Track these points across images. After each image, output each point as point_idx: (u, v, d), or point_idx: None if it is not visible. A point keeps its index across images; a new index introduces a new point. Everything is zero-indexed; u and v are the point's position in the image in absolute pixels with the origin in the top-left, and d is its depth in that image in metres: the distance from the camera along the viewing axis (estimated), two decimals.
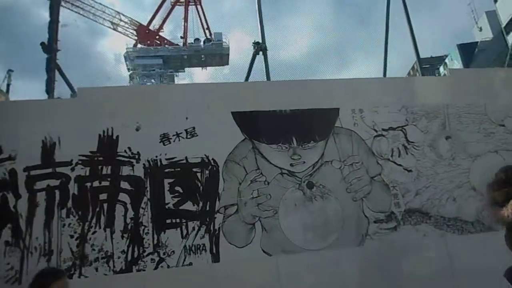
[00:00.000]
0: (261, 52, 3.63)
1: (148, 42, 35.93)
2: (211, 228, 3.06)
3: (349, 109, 3.56)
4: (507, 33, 23.31)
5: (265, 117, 3.39)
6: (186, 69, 36.27)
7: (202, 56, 35.08)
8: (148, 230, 2.98)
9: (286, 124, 3.41)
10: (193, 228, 3.04)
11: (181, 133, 3.24)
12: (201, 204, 3.11)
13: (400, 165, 3.50)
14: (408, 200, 3.41)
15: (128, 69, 34.49)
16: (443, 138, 3.66)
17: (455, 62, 22.48)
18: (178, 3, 37.84)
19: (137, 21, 35.05)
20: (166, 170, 3.14)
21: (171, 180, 3.13)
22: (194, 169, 3.18)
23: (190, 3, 37.74)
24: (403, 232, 3.31)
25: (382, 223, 3.31)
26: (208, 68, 37.60)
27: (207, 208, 3.10)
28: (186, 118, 3.26)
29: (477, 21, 23.49)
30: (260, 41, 3.95)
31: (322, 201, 3.27)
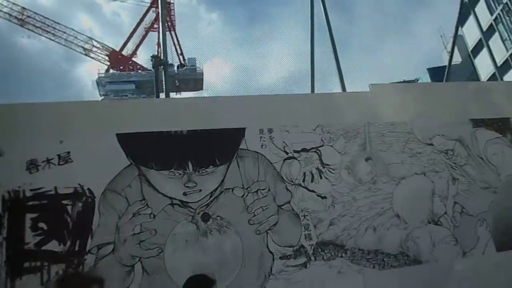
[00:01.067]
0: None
1: (121, 67, 35.61)
2: (80, 272, 2.55)
3: (256, 129, 3.17)
4: (474, 56, 24.03)
5: (156, 139, 2.96)
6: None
7: (176, 81, 34.85)
8: (0, 275, 2.46)
9: (182, 147, 2.99)
10: (56, 273, 2.53)
11: (52, 158, 2.77)
12: (68, 243, 2.61)
13: (312, 191, 3.09)
14: (321, 231, 2.98)
15: (100, 95, 33.95)
16: (363, 159, 3.29)
17: None
18: (152, 29, 37.87)
19: (109, 47, 34.78)
20: (30, 203, 2.65)
21: (34, 215, 2.63)
22: (64, 202, 2.69)
23: (166, 29, 37.71)
24: (314, 269, 2.87)
25: (289, 259, 2.86)
26: (183, 93, 37.35)
27: (76, 248, 2.61)
28: (60, 142, 2.81)
29: (446, 46, 24.15)
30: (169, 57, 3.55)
31: (219, 235, 2.82)
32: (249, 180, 3.00)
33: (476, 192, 3.40)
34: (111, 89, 33.02)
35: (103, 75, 32.82)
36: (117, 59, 34.58)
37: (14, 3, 31.13)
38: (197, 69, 35.61)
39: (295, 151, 3.18)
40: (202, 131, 3.05)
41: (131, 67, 35.19)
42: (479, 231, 3.26)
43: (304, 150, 3.20)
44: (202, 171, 2.95)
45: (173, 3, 36.98)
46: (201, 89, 36.53)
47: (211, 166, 2.97)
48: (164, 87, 3.27)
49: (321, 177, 3.14)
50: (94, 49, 34.53)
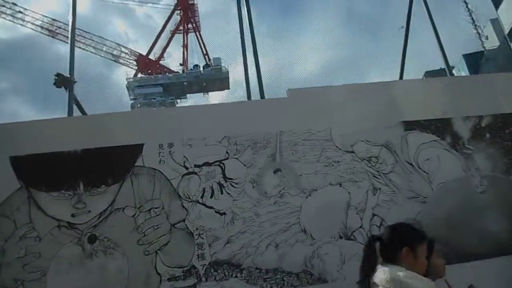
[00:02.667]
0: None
1: (149, 71, 36.55)
2: None
3: (156, 144, 3.08)
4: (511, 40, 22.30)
5: (48, 160, 2.95)
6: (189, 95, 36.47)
7: (204, 82, 35.30)
8: None
9: (74, 167, 2.96)
10: None
11: None
12: None
13: (211, 207, 2.96)
14: (216, 250, 2.85)
15: (131, 99, 35.05)
16: (271, 171, 3.10)
17: (462, 73, 21.67)
18: (177, 31, 38.53)
19: (136, 51, 35.75)
20: None
21: None
22: None
23: (190, 31, 38.38)
24: None
25: (177, 281, 2.76)
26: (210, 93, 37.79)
27: None
28: None
29: (483, 30, 22.65)
30: None
31: (105, 257, 2.76)
32: (142, 199, 2.92)
33: (401, 202, 3.11)
34: (140, 92, 33.95)
35: (131, 79, 33.77)
36: (144, 63, 35.51)
37: (44, 15, 32.73)
38: (223, 68, 35.85)
39: (196, 166, 3.06)
40: (96, 150, 3.01)
41: (159, 71, 36.00)
42: None
43: (206, 164, 3.07)
44: (94, 191, 2.91)
45: (196, 4, 37.42)
46: (228, 88, 36.75)
47: (103, 186, 2.92)
48: (68, 105, 3.25)
49: (222, 192, 3.00)
50: (123, 54, 35.59)
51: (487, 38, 22.03)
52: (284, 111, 3.31)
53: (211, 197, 2.98)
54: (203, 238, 2.87)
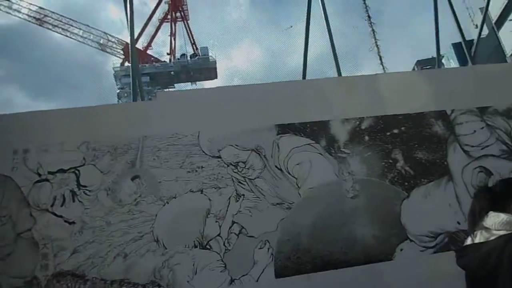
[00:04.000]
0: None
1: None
2: None
3: (10, 150, 2.98)
4: (498, 28, 22.01)
5: None
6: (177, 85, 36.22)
7: (191, 71, 35.03)
8: None
9: None
10: None
11: None
12: None
13: (60, 216, 2.88)
14: (60, 261, 2.78)
15: (118, 88, 34.86)
16: (129, 178, 3.01)
17: (452, 62, 21.47)
18: (165, 20, 38.10)
19: (123, 41, 35.40)
20: None
21: None
22: None
23: (178, 20, 37.95)
24: None
25: None
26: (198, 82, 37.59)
27: None
28: None
29: (473, 19, 22.36)
30: None
31: None
32: None
33: (264, 209, 3.03)
34: (127, 82, 33.74)
35: (118, 68, 33.52)
36: None
37: (31, 3, 32.31)
38: (210, 58, 35.53)
39: (49, 173, 2.96)
40: None
41: (146, 60, 35.67)
42: (257, 254, 2.90)
43: (61, 170, 2.98)
44: None
45: None
46: (215, 77, 36.56)
47: None
48: None
49: (73, 200, 2.91)
50: (109, 43, 35.25)
51: (476, 26, 21.75)
52: (151, 114, 3.21)
53: (61, 205, 2.89)
54: (48, 248, 2.79)
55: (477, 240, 1.52)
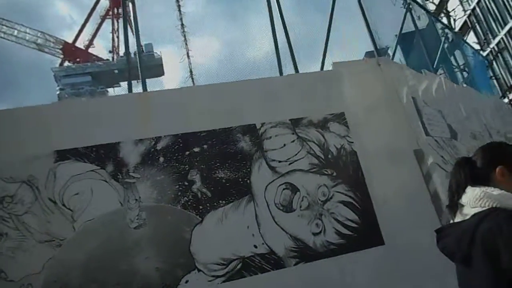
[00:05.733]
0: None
1: (78, 59, 34.73)
2: None
3: None
4: (436, 19, 22.64)
5: None
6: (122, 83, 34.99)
7: (136, 69, 33.82)
8: None
9: None
10: None
11: None
12: None
13: None
14: None
15: (59, 89, 33.29)
16: None
17: (397, 54, 21.89)
18: (107, 16, 36.71)
19: (62, 39, 33.82)
20: None
21: None
22: None
23: (120, 16, 36.62)
24: None
25: None
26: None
27: None
28: None
29: (415, 10, 22.83)
30: None
31: None
32: None
33: (30, 248, 2.70)
34: (67, 82, 32.31)
35: (57, 69, 32.03)
36: (71, 51, 33.66)
37: None
38: (155, 54, 34.59)
39: None
40: None
41: (87, 59, 34.29)
42: None
43: None
44: None
45: None
46: (162, 74, 35.63)
47: None
48: None
49: None
50: (48, 43, 33.56)
51: (419, 18, 22.25)
52: None
53: None
54: None
55: (456, 220, 1.43)
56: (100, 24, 35.81)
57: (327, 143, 3.42)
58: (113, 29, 34.89)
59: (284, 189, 3.20)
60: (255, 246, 3.00)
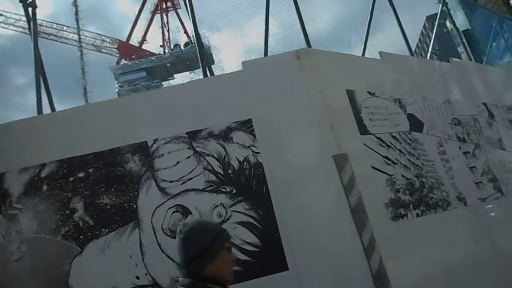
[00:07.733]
0: None
1: (133, 57, 36.37)
2: None
3: None
4: None
5: None
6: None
7: (187, 60, 34.61)
8: None
9: None
10: None
11: None
12: None
13: None
14: None
15: (117, 87, 35.31)
16: None
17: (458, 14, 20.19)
18: (157, 12, 37.82)
19: (117, 39, 35.64)
20: None
21: None
22: None
23: (169, 9, 37.52)
24: None
25: None
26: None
27: None
28: None
29: None
30: None
31: None
32: None
33: None
34: (124, 80, 34.09)
35: (114, 67, 33.92)
36: (126, 49, 35.37)
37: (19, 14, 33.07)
38: (204, 44, 34.96)
39: None
40: None
41: (141, 55, 35.74)
42: None
43: None
44: None
45: None
46: (213, 63, 35.98)
47: None
48: None
49: None
50: (104, 44, 35.59)
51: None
52: None
53: None
54: None
55: None
56: (151, 20, 36.97)
57: (228, 156, 3.04)
58: (162, 23, 35.86)
59: (173, 212, 2.91)
60: (137, 277, 2.78)
